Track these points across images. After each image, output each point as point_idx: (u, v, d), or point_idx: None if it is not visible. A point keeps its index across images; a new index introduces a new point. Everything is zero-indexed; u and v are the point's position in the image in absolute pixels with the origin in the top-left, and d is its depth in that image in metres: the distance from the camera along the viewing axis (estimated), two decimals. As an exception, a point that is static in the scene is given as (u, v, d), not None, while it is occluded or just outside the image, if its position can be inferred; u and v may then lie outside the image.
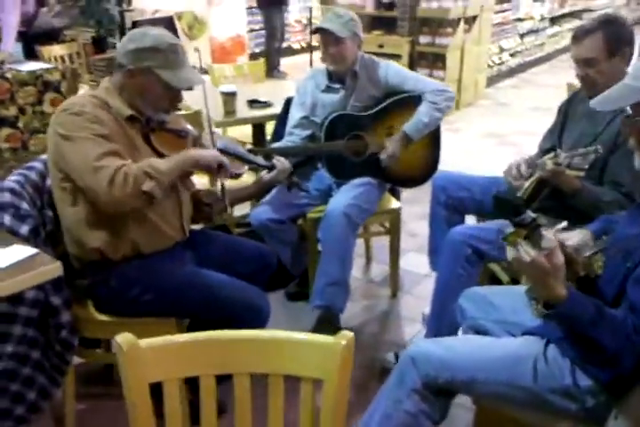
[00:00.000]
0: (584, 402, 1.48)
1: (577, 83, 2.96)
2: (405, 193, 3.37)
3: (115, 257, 1.93)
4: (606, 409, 1.46)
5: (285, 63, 8.26)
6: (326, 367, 1.14)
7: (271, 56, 7.71)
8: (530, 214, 1.09)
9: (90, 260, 1.93)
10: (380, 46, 6.15)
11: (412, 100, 2.67)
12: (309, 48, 8.06)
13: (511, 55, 7.68)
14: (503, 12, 7.07)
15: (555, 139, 2.43)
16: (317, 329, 2.59)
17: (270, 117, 3.22)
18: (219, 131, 2.25)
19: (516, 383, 1.53)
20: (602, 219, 1.75)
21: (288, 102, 2.95)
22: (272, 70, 7.51)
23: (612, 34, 2.10)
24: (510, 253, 1.25)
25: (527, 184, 2.27)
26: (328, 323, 2.59)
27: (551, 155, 2.04)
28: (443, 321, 2.37)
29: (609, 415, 1.45)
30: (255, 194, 2.30)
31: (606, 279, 1.43)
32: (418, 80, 2.69)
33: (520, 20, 7.61)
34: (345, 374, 1.14)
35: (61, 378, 1.90)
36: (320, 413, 1.17)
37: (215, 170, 1.92)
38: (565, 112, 2.40)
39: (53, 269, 1.61)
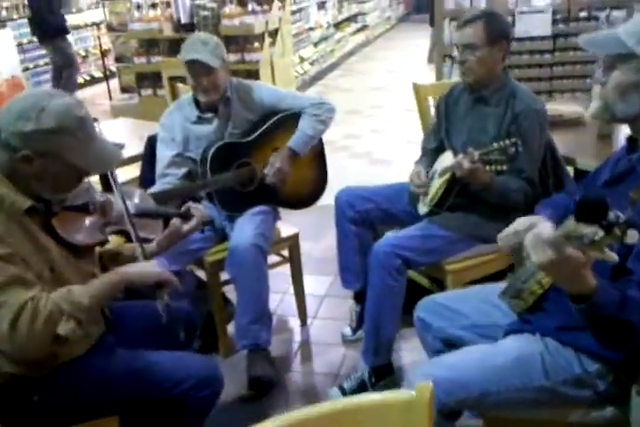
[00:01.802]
0: (596, 387, 1.50)
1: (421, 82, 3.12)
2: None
3: (35, 374, 1.58)
4: (617, 389, 1.49)
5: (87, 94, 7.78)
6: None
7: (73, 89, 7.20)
8: (616, 213, 1.05)
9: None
10: (188, 69, 5.97)
11: (292, 118, 2.58)
12: (105, 76, 7.68)
13: (310, 64, 7.91)
14: (297, 22, 7.24)
15: (440, 138, 2.49)
16: (252, 366, 2.41)
17: (126, 161, 2.90)
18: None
19: (529, 385, 1.51)
20: (544, 204, 1.79)
21: (151, 141, 2.70)
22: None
23: (493, 24, 2.21)
24: (540, 254, 1.19)
25: (435, 188, 2.31)
26: (260, 359, 2.42)
27: (461, 156, 2.07)
28: (380, 337, 2.33)
29: (621, 394, 1.49)
30: (167, 248, 2.05)
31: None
32: (294, 97, 2.61)
33: (312, 29, 7.87)
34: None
35: None
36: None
37: (154, 288, 1.63)
38: (446, 110, 2.46)
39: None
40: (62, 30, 7.03)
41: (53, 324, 1.42)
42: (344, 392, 2.35)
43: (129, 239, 1.84)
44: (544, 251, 1.20)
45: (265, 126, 2.56)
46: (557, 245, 1.15)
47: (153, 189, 2.48)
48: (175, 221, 1.94)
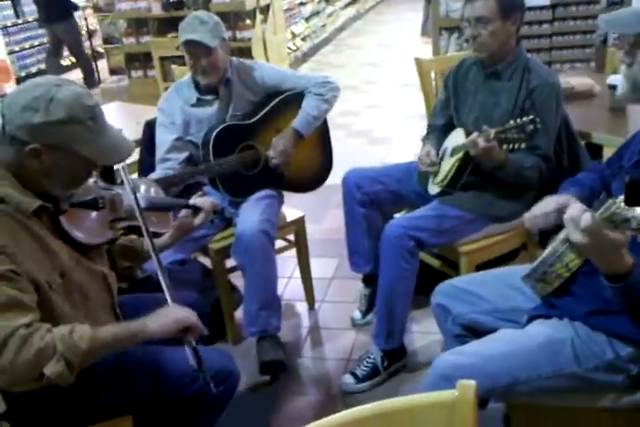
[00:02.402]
0: (629, 371, 1.46)
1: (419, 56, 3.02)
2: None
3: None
4: (650, 372, 1.45)
5: (75, 77, 7.59)
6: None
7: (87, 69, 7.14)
8: None
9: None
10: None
11: (295, 99, 2.49)
12: (94, 57, 7.53)
13: (302, 40, 7.76)
14: (287, -3, 7.09)
15: (449, 114, 2.41)
16: (263, 352, 2.37)
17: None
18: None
19: (560, 372, 1.46)
20: (569, 183, 1.72)
21: (149, 126, 2.61)
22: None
23: None
24: (583, 237, 1.14)
25: (447, 167, 2.24)
26: (270, 345, 2.38)
27: (475, 134, 1.99)
28: (393, 320, 2.29)
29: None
30: (178, 241, 1.97)
31: None
32: (297, 77, 2.52)
33: (302, 4, 7.70)
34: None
35: None
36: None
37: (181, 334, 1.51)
38: (454, 86, 2.38)
39: None
40: (74, 7, 6.92)
41: (43, 359, 1.30)
42: (357, 378, 2.31)
43: (138, 235, 1.77)
44: (584, 235, 1.14)
45: (268, 107, 2.47)
46: (600, 228, 1.10)
47: (154, 175, 2.41)
48: (185, 213, 1.86)
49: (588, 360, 1.46)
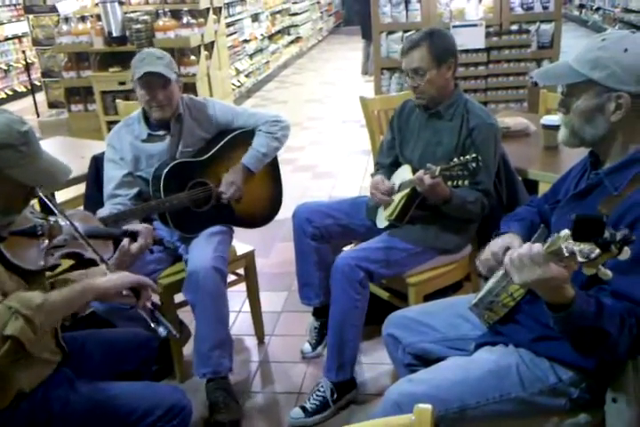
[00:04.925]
0: (570, 394, 1.53)
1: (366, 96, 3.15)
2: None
3: None
4: (590, 395, 1.53)
5: (12, 110, 7.43)
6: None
7: None
8: (611, 230, 1.06)
9: None
10: (122, 83, 5.82)
11: (247, 136, 2.54)
12: (31, 90, 7.39)
13: (246, 76, 7.87)
14: (232, 35, 7.20)
15: (395, 153, 2.50)
16: (212, 397, 2.34)
17: (69, 182, 2.77)
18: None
19: (507, 397, 1.52)
20: (509, 218, 1.82)
21: (96, 160, 2.60)
22: None
23: (437, 44, 2.24)
24: (526, 274, 1.21)
25: (394, 202, 2.32)
26: (221, 387, 2.35)
27: (422, 171, 2.08)
28: (344, 352, 2.32)
29: (593, 401, 1.53)
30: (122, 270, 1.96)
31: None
32: (249, 115, 2.56)
33: (246, 41, 7.84)
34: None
35: None
36: None
37: (131, 296, 1.58)
38: (398, 126, 2.48)
39: None
40: None
41: (1, 322, 1.34)
42: (306, 412, 2.31)
43: (79, 262, 1.77)
44: (531, 270, 1.22)
45: (219, 145, 2.50)
46: (546, 263, 1.17)
47: (102, 212, 2.38)
48: (124, 242, 1.89)
49: (532, 385, 1.53)
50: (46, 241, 1.66)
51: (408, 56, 2.26)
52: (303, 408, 2.32)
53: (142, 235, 1.95)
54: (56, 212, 1.70)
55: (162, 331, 1.63)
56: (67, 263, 1.88)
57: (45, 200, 1.72)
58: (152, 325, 1.61)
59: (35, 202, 1.97)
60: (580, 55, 1.46)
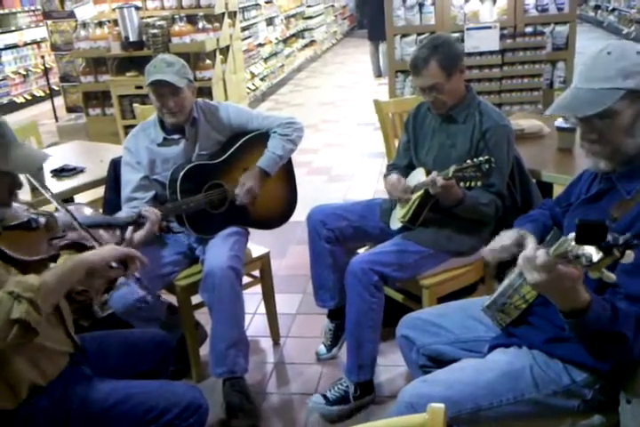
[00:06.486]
0: (584, 396, 1.53)
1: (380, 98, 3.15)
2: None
3: (12, 407, 1.54)
4: (604, 397, 1.53)
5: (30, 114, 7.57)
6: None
7: None
8: (614, 234, 1.07)
9: None
10: (139, 88, 5.89)
11: (261, 138, 2.56)
12: (50, 95, 7.48)
13: (261, 80, 7.92)
14: (247, 39, 7.25)
15: (410, 155, 2.52)
16: (229, 399, 2.36)
17: (88, 186, 2.84)
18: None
19: (521, 398, 1.53)
20: (523, 219, 1.82)
21: (115, 164, 2.64)
22: None
23: (445, 57, 2.22)
24: (536, 275, 1.22)
25: (407, 204, 2.33)
26: (237, 388, 2.38)
27: (435, 173, 2.10)
28: (362, 353, 2.33)
29: (607, 402, 1.53)
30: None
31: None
32: (263, 117, 2.59)
33: (261, 45, 7.89)
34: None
35: None
36: None
37: (121, 268, 1.60)
38: (413, 129, 2.49)
39: None
40: None
41: (5, 306, 1.38)
42: (327, 400, 2.34)
43: (80, 251, 1.81)
44: (540, 273, 1.22)
45: (234, 147, 2.54)
46: (554, 264, 1.18)
47: (120, 215, 2.42)
48: (129, 231, 1.93)
49: (546, 386, 1.53)
50: (43, 233, 1.70)
51: (420, 76, 2.25)
52: (324, 396, 2.35)
53: (150, 221, 2.03)
54: (53, 202, 1.76)
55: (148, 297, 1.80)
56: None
57: (43, 191, 1.81)
58: (141, 291, 1.69)
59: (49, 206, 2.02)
60: (599, 73, 1.43)
